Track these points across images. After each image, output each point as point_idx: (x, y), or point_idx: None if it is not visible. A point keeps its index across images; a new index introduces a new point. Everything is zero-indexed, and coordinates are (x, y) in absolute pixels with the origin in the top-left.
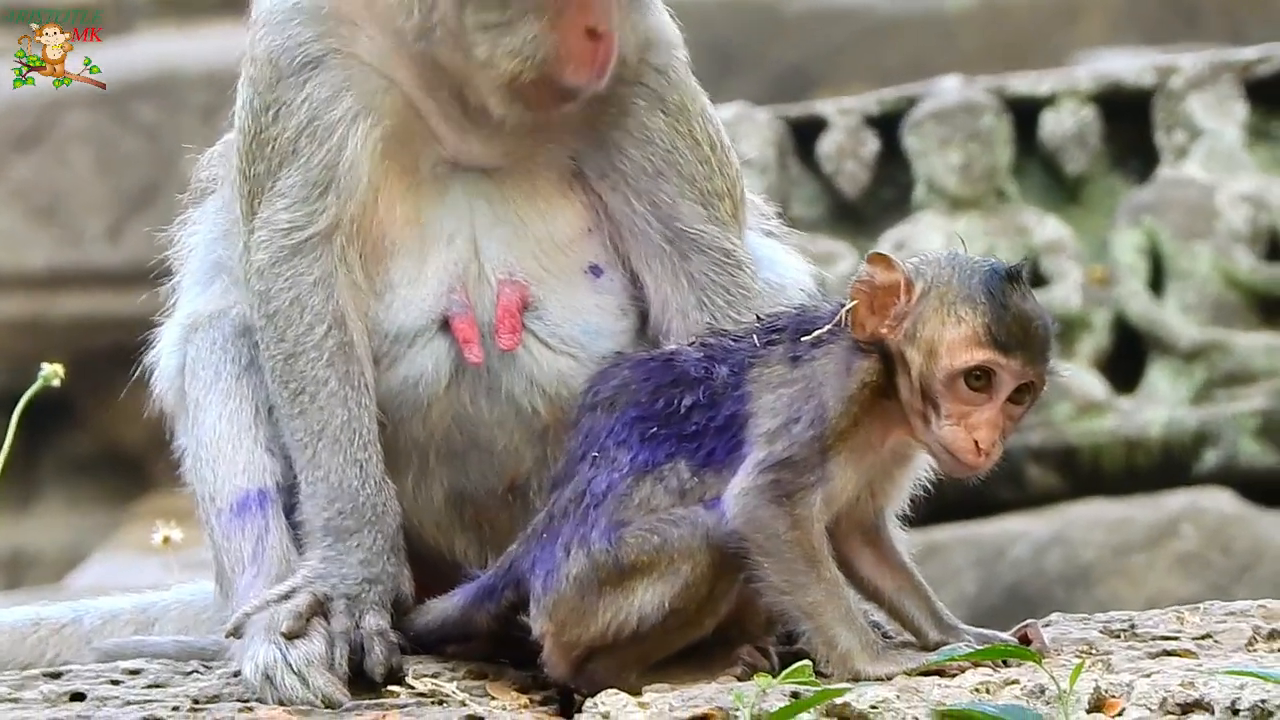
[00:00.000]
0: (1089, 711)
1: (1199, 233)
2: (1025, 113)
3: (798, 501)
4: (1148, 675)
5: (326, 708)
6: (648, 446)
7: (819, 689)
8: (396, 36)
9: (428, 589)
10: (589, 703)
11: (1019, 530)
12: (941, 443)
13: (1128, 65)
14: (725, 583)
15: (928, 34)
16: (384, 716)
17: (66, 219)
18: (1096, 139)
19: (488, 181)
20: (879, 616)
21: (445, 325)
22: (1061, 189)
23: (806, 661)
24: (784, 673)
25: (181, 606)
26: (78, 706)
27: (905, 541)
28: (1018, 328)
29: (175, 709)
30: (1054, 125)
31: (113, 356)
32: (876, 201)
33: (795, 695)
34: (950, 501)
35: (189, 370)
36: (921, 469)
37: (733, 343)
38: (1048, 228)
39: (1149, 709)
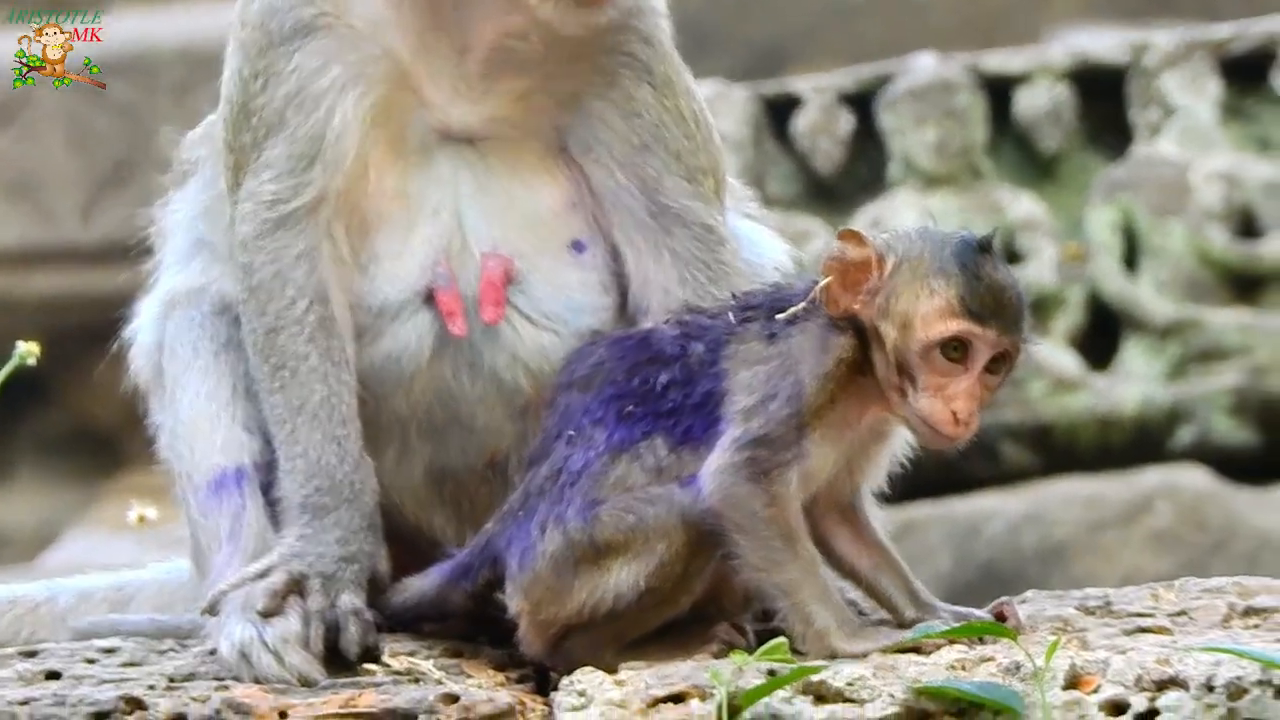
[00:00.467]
0: (1064, 688)
1: (1173, 210)
2: (1000, 90)
3: (774, 479)
4: (1123, 652)
5: (302, 686)
6: (624, 425)
7: (795, 666)
8: None
9: (406, 566)
10: (565, 680)
11: (994, 507)
12: (919, 415)
13: (1102, 43)
14: (701, 561)
15: (902, 10)
16: (360, 695)
17: (39, 196)
18: (1071, 116)
19: (473, 152)
20: (855, 594)
21: (429, 299)
22: (1036, 166)
23: (783, 639)
24: (760, 650)
25: (157, 585)
26: (53, 685)
27: (881, 519)
28: (991, 297)
29: (151, 687)
30: (1028, 102)
31: (85, 334)
32: (852, 179)
33: (771, 673)
34: (925, 479)
35: (167, 347)
36: (899, 446)
37: (709, 320)
38: (1022, 205)
39: (1124, 685)
